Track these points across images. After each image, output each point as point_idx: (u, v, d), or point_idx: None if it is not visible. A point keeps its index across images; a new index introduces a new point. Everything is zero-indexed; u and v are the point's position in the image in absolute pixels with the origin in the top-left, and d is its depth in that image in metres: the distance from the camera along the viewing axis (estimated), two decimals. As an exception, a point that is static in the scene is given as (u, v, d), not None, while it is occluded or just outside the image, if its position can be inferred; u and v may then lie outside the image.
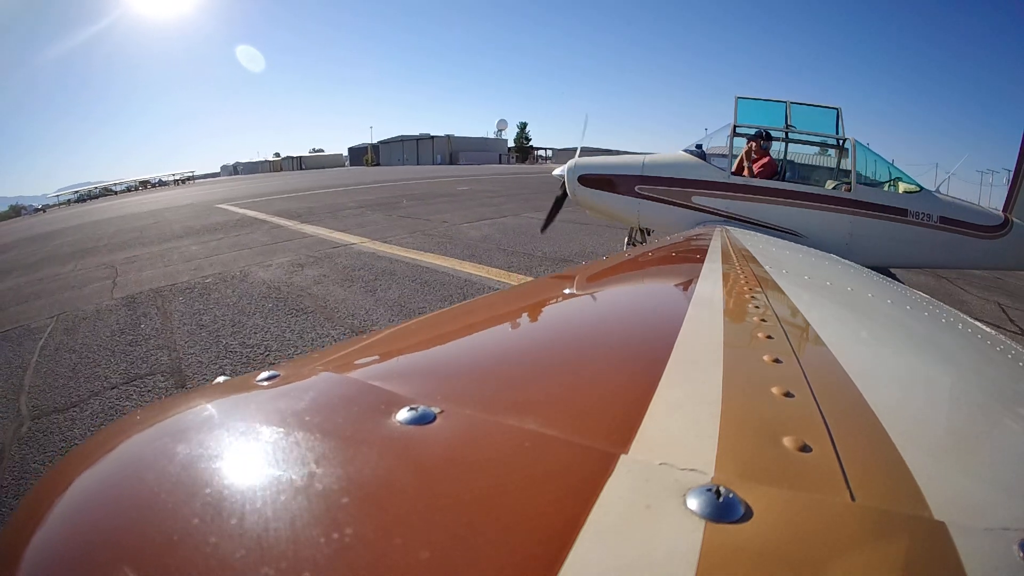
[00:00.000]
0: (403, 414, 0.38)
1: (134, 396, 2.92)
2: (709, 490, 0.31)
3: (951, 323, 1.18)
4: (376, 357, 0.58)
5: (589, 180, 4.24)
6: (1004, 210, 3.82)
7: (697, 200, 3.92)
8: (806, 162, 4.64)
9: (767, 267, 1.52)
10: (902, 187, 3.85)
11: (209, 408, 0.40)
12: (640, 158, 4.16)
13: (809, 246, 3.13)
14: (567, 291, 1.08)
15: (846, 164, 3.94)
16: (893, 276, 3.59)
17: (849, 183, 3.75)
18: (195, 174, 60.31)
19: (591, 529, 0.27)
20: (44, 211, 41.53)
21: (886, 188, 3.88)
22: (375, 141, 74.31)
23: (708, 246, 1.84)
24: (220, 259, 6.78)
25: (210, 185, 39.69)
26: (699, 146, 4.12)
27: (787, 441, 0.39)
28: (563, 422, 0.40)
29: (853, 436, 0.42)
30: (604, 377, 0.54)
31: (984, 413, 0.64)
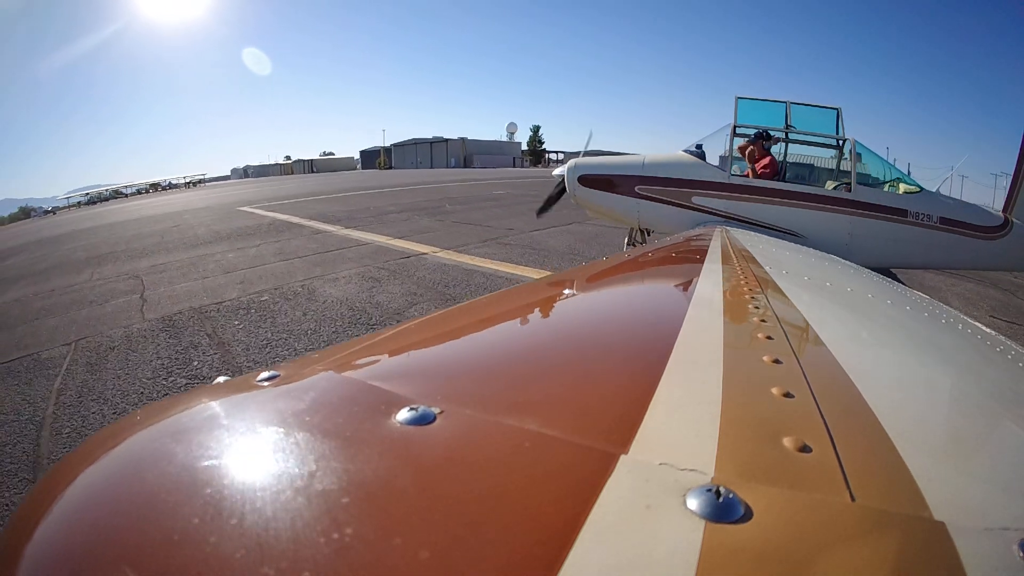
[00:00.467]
0: (403, 414, 0.38)
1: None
2: (709, 490, 0.31)
3: (951, 323, 1.18)
4: (376, 357, 0.58)
5: (589, 180, 4.24)
6: (1004, 210, 3.82)
7: (697, 200, 3.92)
8: (806, 162, 4.64)
9: (767, 267, 1.52)
10: (902, 187, 3.85)
11: (209, 408, 0.40)
12: (640, 158, 4.17)
13: (809, 246, 3.14)
14: (567, 291, 1.08)
15: (846, 164, 3.94)
16: (894, 276, 3.59)
17: (849, 183, 3.75)
18: (206, 177, 60.16)
19: (591, 529, 0.27)
20: (54, 213, 41.06)
21: (886, 188, 3.88)
22: (387, 144, 73.68)
23: (708, 246, 1.84)
24: (269, 270, 5.95)
25: (222, 188, 38.62)
26: (699, 146, 4.12)
27: (787, 441, 0.39)
28: (563, 422, 0.40)
29: (853, 436, 0.42)
30: (604, 377, 0.54)
31: (984, 413, 0.64)
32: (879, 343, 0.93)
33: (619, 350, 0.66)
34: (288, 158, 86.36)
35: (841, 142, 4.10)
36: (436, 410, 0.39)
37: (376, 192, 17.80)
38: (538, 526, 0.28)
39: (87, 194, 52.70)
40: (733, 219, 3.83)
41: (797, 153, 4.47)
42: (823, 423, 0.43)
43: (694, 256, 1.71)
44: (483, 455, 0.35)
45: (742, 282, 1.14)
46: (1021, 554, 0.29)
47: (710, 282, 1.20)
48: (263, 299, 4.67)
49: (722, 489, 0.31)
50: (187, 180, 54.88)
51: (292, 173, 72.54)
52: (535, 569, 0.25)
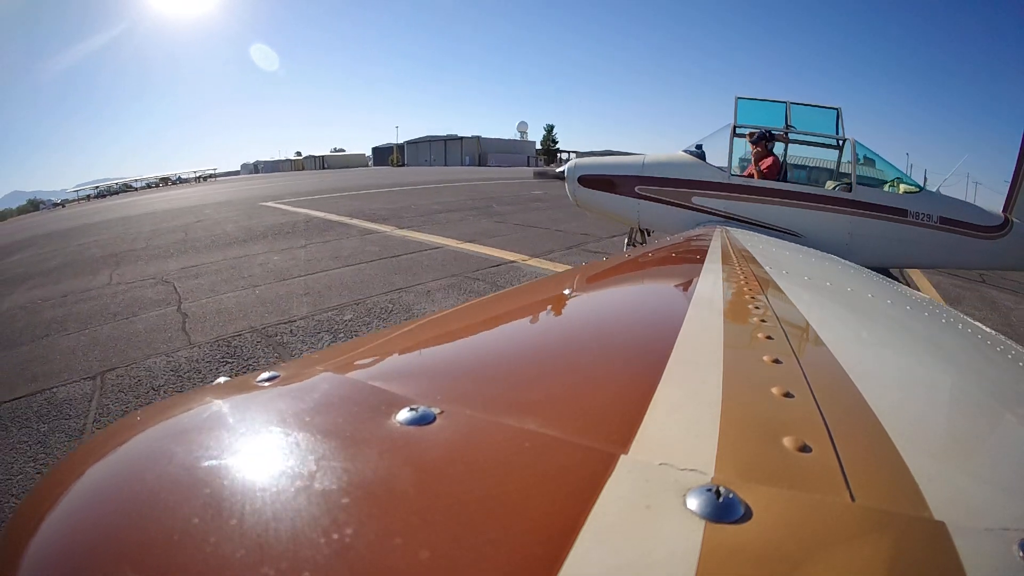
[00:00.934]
0: (403, 414, 0.38)
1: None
2: (709, 490, 0.31)
3: (951, 323, 1.18)
4: (376, 358, 0.58)
5: (589, 180, 4.24)
6: (1004, 210, 3.82)
7: (697, 200, 3.92)
8: (806, 162, 4.64)
9: (767, 268, 1.52)
10: (902, 187, 3.85)
11: (209, 408, 0.40)
12: (640, 158, 4.17)
13: (809, 246, 3.14)
14: (567, 292, 1.08)
15: (846, 165, 3.94)
16: (893, 276, 3.59)
17: (849, 183, 3.75)
18: (216, 171, 59.83)
19: (591, 529, 0.27)
20: (63, 206, 40.43)
21: (886, 188, 3.88)
22: (400, 141, 72.80)
23: (708, 247, 1.84)
24: (335, 278, 5.05)
25: (234, 182, 37.21)
26: (699, 146, 4.12)
27: (787, 441, 0.39)
28: (563, 422, 0.40)
29: (853, 436, 0.42)
30: (604, 377, 0.54)
31: (984, 414, 0.64)
32: (879, 343, 0.93)
33: (619, 350, 0.66)
34: (299, 154, 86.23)
35: (841, 142, 4.10)
36: (436, 410, 0.39)
37: (407, 189, 16.64)
38: (538, 526, 0.28)
39: (96, 187, 52.32)
40: (733, 219, 3.83)
41: (797, 153, 4.47)
42: (823, 423, 0.43)
43: (694, 256, 1.71)
44: (483, 455, 0.35)
45: (742, 282, 1.14)
46: (1021, 554, 0.29)
47: (710, 282, 1.20)
48: (346, 318, 3.81)
49: (722, 489, 0.31)
50: (197, 174, 54.44)
51: (303, 169, 72.24)
52: (535, 569, 0.25)
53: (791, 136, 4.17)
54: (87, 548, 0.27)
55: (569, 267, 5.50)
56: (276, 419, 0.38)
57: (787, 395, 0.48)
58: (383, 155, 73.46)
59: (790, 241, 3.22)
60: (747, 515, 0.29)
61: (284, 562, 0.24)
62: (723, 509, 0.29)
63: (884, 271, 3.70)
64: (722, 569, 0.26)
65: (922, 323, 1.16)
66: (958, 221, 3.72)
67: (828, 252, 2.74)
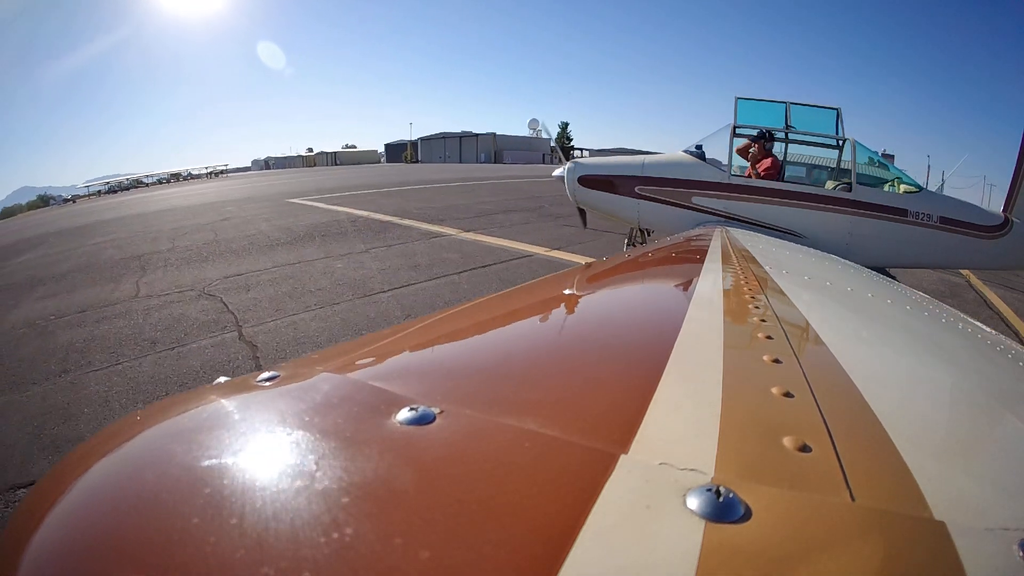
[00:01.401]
0: (403, 414, 0.38)
1: None
2: (709, 490, 0.31)
3: (951, 323, 1.18)
4: (376, 358, 0.58)
5: (589, 181, 4.24)
6: (1004, 210, 3.82)
7: (697, 200, 3.92)
8: (806, 162, 4.64)
9: (767, 267, 1.52)
10: (902, 187, 3.86)
11: (209, 408, 0.40)
12: (640, 158, 4.17)
13: (809, 246, 3.14)
14: (567, 292, 1.08)
15: (846, 164, 3.94)
16: (894, 276, 3.59)
17: (849, 183, 3.75)
18: (228, 167, 59.48)
19: (591, 529, 0.27)
20: (74, 202, 39.47)
21: (886, 188, 3.88)
22: (414, 138, 71.43)
23: (708, 246, 1.84)
24: (429, 294, 4.39)
25: (248, 179, 35.23)
26: (699, 147, 4.13)
27: (787, 441, 0.38)
28: (563, 422, 0.40)
29: (853, 436, 0.42)
30: (604, 377, 0.54)
31: (984, 413, 0.64)
32: (879, 343, 0.93)
33: (619, 350, 0.66)
34: (310, 150, 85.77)
35: (841, 142, 4.10)
36: (436, 410, 0.39)
37: (438, 187, 15.42)
38: (538, 526, 0.28)
39: (107, 183, 51.76)
40: (733, 219, 3.83)
41: (797, 153, 4.47)
42: (823, 423, 0.43)
43: (694, 256, 1.71)
44: (483, 455, 0.35)
45: (742, 282, 1.14)
46: (1021, 554, 0.29)
47: (710, 282, 1.20)
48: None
49: (722, 489, 0.31)
50: (209, 170, 53.68)
51: (315, 165, 71.65)
52: (535, 569, 0.25)
53: (791, 136, 4.17)
54: (87, 547, 0.27)
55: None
56: (276, 419, 0.38)
57: (787, 395, 0.48)
58: (395, 152, 72.57)
59: (790, 241, 3.22)
60: (747, 515, 0.29)
61: (284, 562, 0.24)
62: (723, 509, 0.29)
63: (884, 271, 3.70)
64: (722, 569, 0.26)
65: (922, 323, 1.16)
66: (958, 221, 3.72)
67: (828, 252, 2.74)
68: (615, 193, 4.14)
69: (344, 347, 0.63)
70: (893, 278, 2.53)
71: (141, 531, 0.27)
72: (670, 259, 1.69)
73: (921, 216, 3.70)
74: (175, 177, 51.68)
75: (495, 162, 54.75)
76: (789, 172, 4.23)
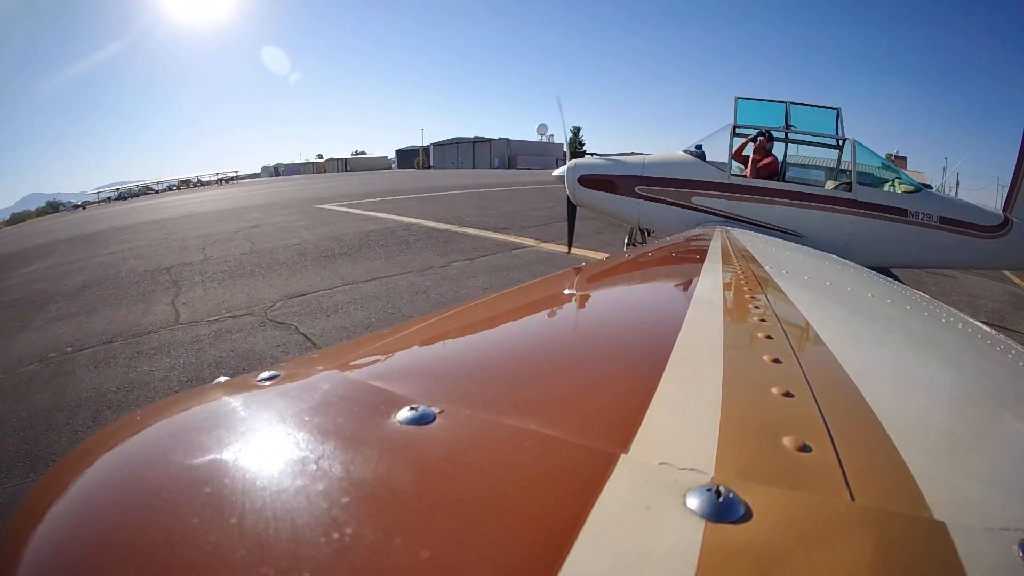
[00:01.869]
0: (403, 414, 0.38)
1: None
2: (709, 490, 0.31)
3: (951, 323, 1.18)
4: (376, 357, 0.58)
5: (589, 181, 4.24)
6: (1004, 210, 3.82)
7: (697, 200, 3.92)
8: (806, 162, 4.64)
9: (767, 267, 1.52)
10: (901, 187, 3.86)
11: (209, 408, 0.40)
12: (640, 158, 4.17)
13: (809, 246, 3.14)
14: (567, 291, 1.08)
15: (846, 164, 3.95)
16: (894, 276, 3.59)
17: (849, 183, 3.76)
18: (238, 174, 59.15)
19: (591, 529, 0.27)
20: (83, 208, 39.10)
21: (886, 188, 3.88)
22: (426, 144, 70.45)
23: (708, 246, 1.84)
24: None
25: (261, 185, 34.20)
26: (699, 146, 4.13)
27: (787, 441, 0.38)
28: (563, 422, 0.40)
29: (853, 436, 0.42)
30: (604, 377, 0.54)
31: (984, 413, 0.64)
32: (879, 342, 0.93)
33: (619, 350, 0.66)
34: (320, 156, 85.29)
35: (841, 142, 4.10)
36: (436, 410, 0.39)
37: (470, 193, 14.38)
38: (538, 526, 0.28)
39: (117, 189, 51.25)
40: (733, 219, 3.83)
41: (797, 153, 4.47)
42: (823, 423, 0.43)
43: (694, 256, 1.71)
44: (483, 455, 0.35)
45: (742, 282, 1.14)
46: (1021, 554, 0.29)
47: (710, 282, 1.20)
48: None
49: (722, 489, 0.31)
50: (219, 177, 53.29)
51: (325, 171, 71.20)
52: (535, 569, 0.25)
53: (791, 136, 4.17)
54: (86, 547, 0.27)
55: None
56: (276, 418, 0.38)
57: (787, 395, 0.48)
58: (407, 158, 71.67)
59: (790, 241, 3.22)
60: (747, 515, 0.29)
61: (284, 561, 0.24)
62: (723, 509, 0.29)
63: (884, 271, 3.70)
64: (722, 569, 0.26)
65: (922, 322, 1.16)
66: (958, 221, 3.72)
67: (828, 252, 2.74)
68: (615, 193, 4.13)
69: (344, 347, 0.63)
70: (894, 278, 2.53)
71: (141, 531, 0.27)
72: (670, 259, 1.69)
73: (921, 216, 3.70)
74: (185, 184, 51.48)
75: (509, 167, 53.84)
76: (789, 172, 4.23)
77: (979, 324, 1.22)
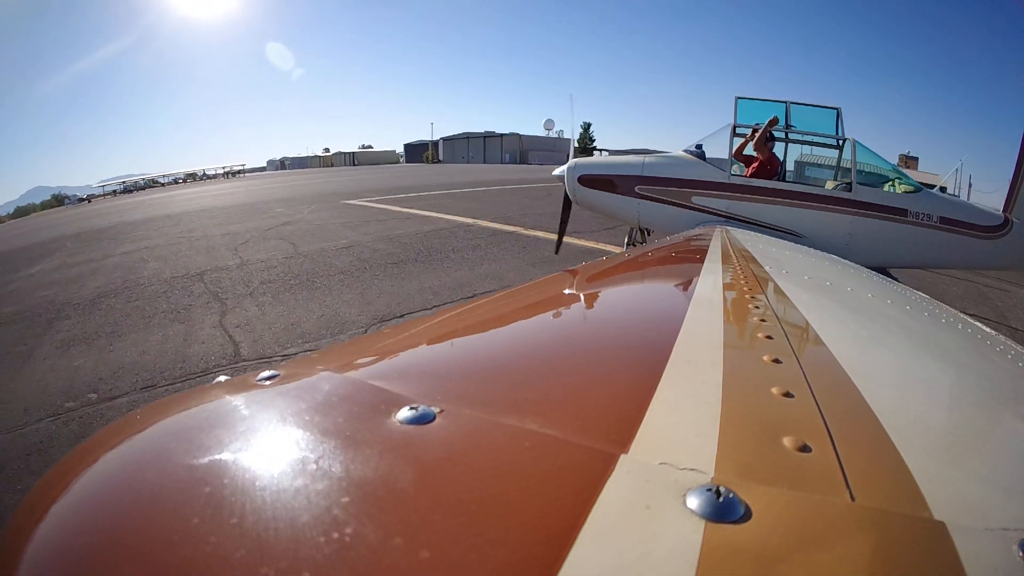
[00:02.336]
0: (403, 414, 0.38)
1: None
2: (709, 490, 0.31)
3: (951, 323, 1.18)
4: (376, 357, 0.58)
5: (589, 180, 4.24)
6: (1004, 210, 3.82)
7: (697, 200, 3.92)
8: (806, 162, 4.64)
9: (767, 267, 1.52)
10: (901, 187, 3.86)
11: (209, 407, 0.40)
12: (640, 158, 4.17)
13: (809, 246, 3.14)
14: (567, 291, 1.08)
15: (847, 164, 3.95)
16: (893, 277, 3.59)
17: (849, 183, 3.76)
18: (245, 167, 58.83)
19: (591, 529, 0.27)
20: (89, 201, 38.26)
21: (886, 188, 3.88)
22: (435, 138, 69.24)
23: (708, 246, 1.84)
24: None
25: (269, 179, 32.97)
26: (699, 146, 4.13)
27: (787, 441, 0.39)
28: (563, 422, 0.40)
29: (853, 436, 0.42)
30: (604, 377, 0.54)
31: (984, 413, 0.64)
32: (879, 343, 0.93)
33: (619, 350, 0.66)
34: (327, 150, 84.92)
35: (841, 142, 4.10)
36: (436, 410, 0.39)
37: (503, 190, 13.28)
38: (538, 526, 0.28)
39: (123, 183, 50.69)
40: (733, 219, 3.83)
41: (812, 153, 4.48)
42: (823, 423, 0.43)
43: (694, 256, 1.71)
44: (483, 455, 0.35)
45: (742, 282, 1.14)
46: (1021, 554, 0.29)
47: (710, 282, 1.20)
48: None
49: (722, 489, 0.31)
50: (225, 170, 52.85)
51: (332, 165, 70.59)
52: (535, 569, 0.25)
53: (791, 136, 4.17)
54: (86, 547, 0.27)
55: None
56: (276, 418, 0.38)
57: (787, 395, 0.48)
58: (415, 152, 70.45)
59: (790, 241, 3.22)
60: (747, 515, 0.29)
61: (284, 561, 0.24)
62: (723, 509, 0.29)
63: (884, 271, 3.70)
64: (722, 569, 0.26)
65: (922, 323, 1.16)
66: (958, 221, 3.72)
67: (828, 252, 2.74)
68: (615, 193, 4.13)
69: (344, 347, 0.63)
70: (893, 278, 2.53)
71: (141, 530, 0.27)
72: (670, 259, 1.69)
73: (921, 216, 3.70)
74: (191, 177, 51.20)
75: (520, 163, 52.70)
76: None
77: (979, 324, 1.22)
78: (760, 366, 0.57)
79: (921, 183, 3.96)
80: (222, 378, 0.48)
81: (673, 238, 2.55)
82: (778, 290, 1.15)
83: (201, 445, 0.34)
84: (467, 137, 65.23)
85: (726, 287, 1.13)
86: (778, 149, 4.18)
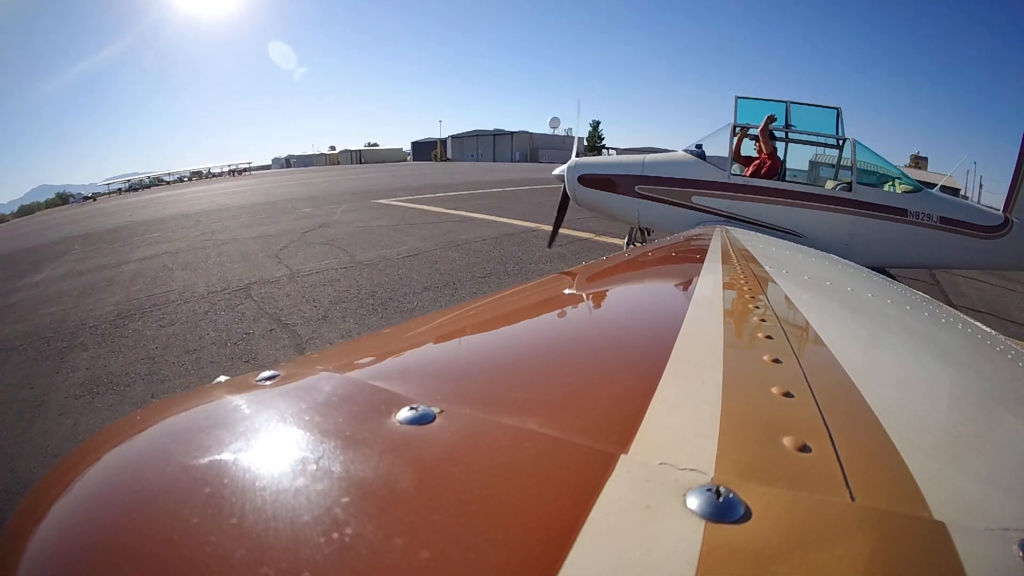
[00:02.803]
0: (403, 414, 0.38)
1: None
2: (709, 490, 0.31)
3: (951, 323, 1.18)
4: (376, 357, 0.58)
5: (589, 180, 4.24)
6: (1004, 210, 3.82)
7: (697, 200, 3.92)
8: (820, 162, 4.64)
9: (767, 267, 1.52)
10: (901, 187, 3.86)
11: (209, 407, 0.40)
12: (640, 158, 4.17)
13: (809, 246, 3.14)
14: (567, 291, 1.08)
15: (847, 163, 3.95)
16: (893, 277, 3.59)
17: (849, 183, 3.76)
18: (251, 165, 58.53)
19: (591, 529, 0.27)
20: (94, 200, 37.70)
21: (886, 188, 3.88)
22: (444, 136, 68.60)
23: (708, 246, 1.84)
24: None
25: (275, 177, 32.15)
26: (699, 146, 4.13)
27: (787, 441, 0.39)
28: (563, 422, 0.40)
29: (853, 436, 0.42)
30: (604, 377, 0.54)
31: (984, 413, 0.64)
32: (879, 342, 0.93)
33: (619, 350, 0.66)
34: (333, 148, 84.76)
35: (841, 142, 4.10)
36: (436, 410, 0.39)
37: (539, 189, 12.39)
38: (538, 526, 0.28)
39: (128, 181, 49.98)
40: (733, 219, 3.83)
41: (798, 153, 4.47)
42: (823, 423, 0.43)
43: (694, 256, 1.71)
44: (483, 455, 0.35)
45: (742, 282, 1.14)
46: (1021, 554, 0.29)
47: (710, 282, 1.20)
48: None
49: (722, 489, 0.31)
50: (230, 168, 52.73)
51: (338, 163, 70.29)
52: (535, 569, 0.25)
53: (791, 136, 4.17)
54: (86, 547, 0.27)
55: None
56: (276, 418, 0.38)
57: (787, 395, 0.48)
58: (423, 150, 69.46)
59: (790, 241, 3.22)
60: (747, 515, 0.29)
61: (284, 562, 0.24)
62: (723, 509, 0.29)
63: (884, 271, 3.70)
64: (722, 569, 0.26)
65: (922, 323, 1.16)
66: (958, 221, 3.72)
67: (828, 252, 2.74)
68: (615, 192, 4.13)
69: (344, 347, 0.63)
70: (893, 278, 2.53)
71: (140, 531, 0.27)
72: (670, 259, 1.69)
73: (921, 216, 3.70)
74: (196, 175, 51.01)
75: (531, 161, 51.72)
76: (789, 171, 4.23)
77: (979, 324, 1.22)
78: (760, 366, 0.57)
79: (928, 183, 3.96)
80: (222, 378, 0.48)
81: (673, 238, 2.55)
82: (778, 290, 1.15)
83: (201, 445, 0.34)
84: (476, 135, 64.46)
85: (726, 287, 1.13)
86: (778, 150, 4.18)
